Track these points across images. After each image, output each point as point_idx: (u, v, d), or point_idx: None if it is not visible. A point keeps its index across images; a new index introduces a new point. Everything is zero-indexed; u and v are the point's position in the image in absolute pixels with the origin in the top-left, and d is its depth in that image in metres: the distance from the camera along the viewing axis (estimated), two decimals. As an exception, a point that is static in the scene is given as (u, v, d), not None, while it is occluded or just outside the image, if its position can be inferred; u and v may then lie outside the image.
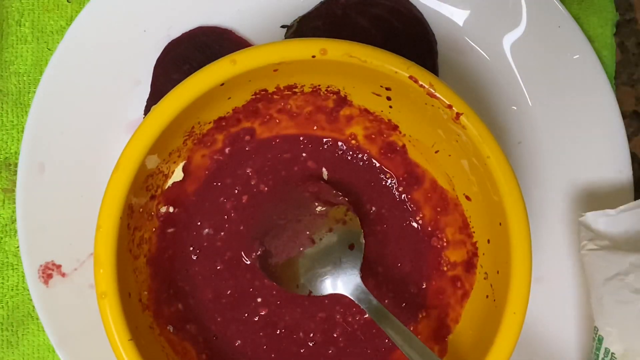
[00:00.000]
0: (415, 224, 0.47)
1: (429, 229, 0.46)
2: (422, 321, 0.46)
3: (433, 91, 0.39)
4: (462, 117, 0.39)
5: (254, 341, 0.46)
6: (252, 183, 0.46)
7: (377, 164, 0.47)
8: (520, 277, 0.39)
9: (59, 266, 0.46)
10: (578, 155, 0.48)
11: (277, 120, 0.45)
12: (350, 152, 0.47)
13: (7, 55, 0.49)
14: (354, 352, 0.46)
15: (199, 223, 0.46)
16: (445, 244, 0.46)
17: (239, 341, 0.46)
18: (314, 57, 0.38)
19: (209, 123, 0.44)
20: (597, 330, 0.44)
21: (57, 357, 0.48)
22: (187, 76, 0.38)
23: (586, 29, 0.49)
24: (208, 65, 0.38)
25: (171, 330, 0.44)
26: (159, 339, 0.43)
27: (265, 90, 0.43)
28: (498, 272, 0.41)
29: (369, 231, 0.46)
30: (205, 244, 0.46)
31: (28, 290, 0.47)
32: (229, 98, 0.42)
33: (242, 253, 0.46)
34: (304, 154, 0.46)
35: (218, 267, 0.46)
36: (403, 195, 0.47)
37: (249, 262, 0.46)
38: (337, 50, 0.38)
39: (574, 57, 0.48)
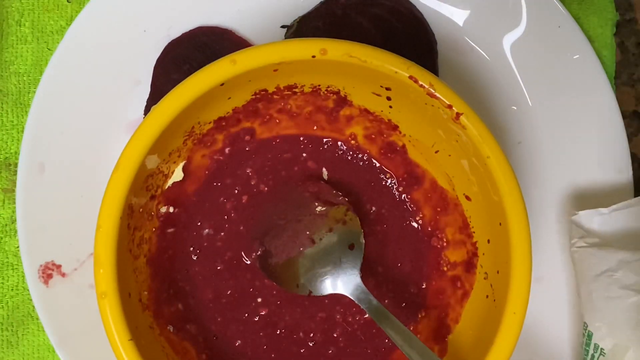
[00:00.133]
0: (415, 224, 0.47)
1: (429, 229, 0.46)
2: (422, 321, 0.46)
3: (433, 91, 0.39)
4: (462, 117, 0.39)
5: (254, 341, 0.46)
6: (252, 183, 0.46)
7: (377, 164, 0.47)
8: (520, 277, 0.39)
9: (59, 266, 0.46)
10: (578, 155, 0.48)
11: (277, 120, 0.45)
12: (350, 152, 0.47)
13: (7, 55, 0.49)
14: (354, 352, 0.46)
15: (199, 223, 0.46)
16: (445, 244, 0.46)
17: (239, 341, 0.46)
18: (314, 57, 0.38)
19: (209, 123, 0.44)
20: (587, 326, 0.44)
21: (57, 357, 0.48)
22: (187, 76, 0.38)
23: (586, 29, 0.49)
24: (208, 65, 0.38)
25: (171, 330, 0.44)
26: (159, 339, 0.43)
27: (265, 90, 0.43)
28: (498, 272, 0.41)
29: (369, 231, 0.46)
30: (205, 244, 0.46)
31: (28, 290, 0.47)
32: (229, 98, 0.42)
33: (242, 253, 0.46)
34: (304, 154, 0.46)
35: (218, 267, 0.46)
36: (403, 195, 0.47)
37: (249, 262, 0.46)
38: (337, 50, 0.38)
39: (574, 57, 0.48)
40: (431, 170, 0.46)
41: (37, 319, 0.48)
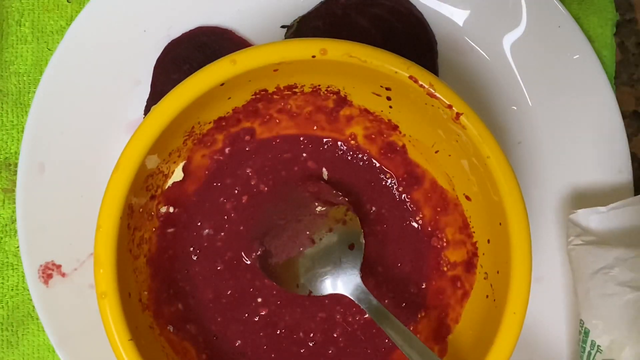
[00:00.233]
0: (415, 224, 0.47)
1: (429, 229, 0.46)
2: (422, 321, 0.46)
3: (433, 91, 0.39)
4: (462, 117, 0.39)
5: (254, 341, 0.46)
6: (252, 183, 0.46)
7: (377, 164, 0.47)
8: (520, 277, 0.39)
9: (59, 266, 0.46)
10: (578, 155, 0.48)
11: (277, 120, 0.45)
12: (350, 152, 0.47)
13: (7, 55, 0.49)
14: (354, 352, 0.46)
15: (199, 223, 0.46)
16: (445, 244, 0.46)
17: (239, 341, 0.46)
18: (314, 57, 0.38)
19: (209, 123, 0.44)
20: (583, 324, 0.44)
21: (57, 357, 0.48)
22: (187, 76, 0.38)
23: (586, 29, 0.49)
24: (208, 65, 0.38)
25: (171, 330, 0.44)
26: (159, 339, 0.43)
27: (265, 90, 0.43)
28: (498, 272, 0.41)
29: (369, 231, 0.46)
30: (205, 244, 0.46)
31: (28, 290, 0.47)
32: (229, 98, 0.42)
33: (242, 253, 0.46)
34: (304, 154, 0.46)
35: (218, 267, 0.46)
36: (403, 195, 0.47)
37: (249, 262, 0.46)
38: (337, 50, 0.38)
39: (574, 57, 0.48)
40: (431, 170, 0.46)
41: (37, 319, 0.48)
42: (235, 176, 0.46)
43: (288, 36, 0.48)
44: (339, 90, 0.43)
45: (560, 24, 0.48)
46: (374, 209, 0.47)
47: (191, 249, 0.46)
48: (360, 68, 0.39)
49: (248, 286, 0.46)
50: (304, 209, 0.45)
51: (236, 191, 0.46)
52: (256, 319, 0.46)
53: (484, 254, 0.43)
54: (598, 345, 0.43)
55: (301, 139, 0.46)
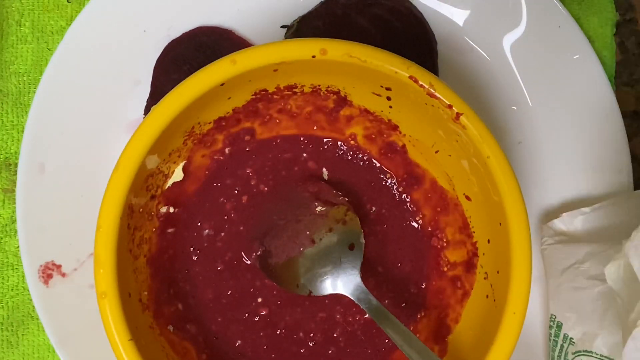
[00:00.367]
0: (415, 224, 0.47)
1: (429, 229, 0.46)
2: (422, 321, 0.46)
3: (433, 91, 0.39)
4: (462, 117, 0.39)
5: (254, 341, 0.46)
6: (252, 183, 0.46)
7: (377, 164, 0.47)
8: (520, 277, 0.39)
9: (59, 266, 0.46)
10: (578, 155, 0.48)
11: (277, 120, 0.45)
12: (351, 152, 0.47)
13: (7, 55, 0.49)
14: (354, 352, 0.46)
15: (199, 223, 0.46)
16: (445, 244, 0.46)
17: (239, 341, 0.46)
18: (314, 57, 0.38)
19: (209, 123, 0.44)
20: (555, 318, 0.45)
21: (57, 357, 0.48)
22: (187, 76, 0.38)
23: (586, 29, 0.49)
24: (208, 65, 0.38)
25: (171, 330, 0.44)
26: (159, 339, 0.43)
27: (265, 90, 0.43)
28: (498, 272, 0.41)
29: (369, 231, 0.46)
30: (205, 244, 0.46)
31: (28, 290, 0.47)
32: (229, 98, 0.42)
33: (243, 253, 0.46)
34: (304, 154, 0.46)
35: (218, 268, 0.46)
36: (403, 195, 0.47)
37: (249, 262, 0.46)
38: (337, 50, 0.38)
39: (574, 57, 0.48)
40: (431, 170, 0.46)
41: (37, 319, 0.48)
42: (235, 176, 0.46)
43: (288, 36, 0.48)
44: (339, 90, 0.43)
45: (560, 24, 0.48)
46: (374, 209, 0.47)
47: (191, 249, 0.46)
48: (360, 68, 0.39)
49: (248, 286, 0.46)
50: (304, 209, 0.45)
51: (236, 191, 0.46)
52: (256, 319, 0.46)
53: (484, 254, 0.43)
54: (570, 338, 0.44)
55: (301, 139, 0.46)
